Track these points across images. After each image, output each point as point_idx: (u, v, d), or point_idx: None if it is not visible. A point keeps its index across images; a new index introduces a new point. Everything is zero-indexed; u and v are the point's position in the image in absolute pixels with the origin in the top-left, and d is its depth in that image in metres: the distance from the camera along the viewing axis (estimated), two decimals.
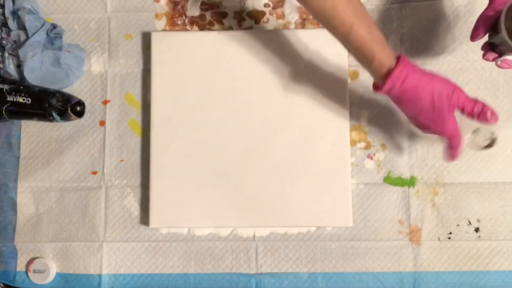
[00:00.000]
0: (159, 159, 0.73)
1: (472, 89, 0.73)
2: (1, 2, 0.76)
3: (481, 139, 0.64)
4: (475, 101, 0.59)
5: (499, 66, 0.60)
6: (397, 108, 0.62)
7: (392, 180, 0.73)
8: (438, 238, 0.72)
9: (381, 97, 0.74)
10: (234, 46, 0.74)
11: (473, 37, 0.59)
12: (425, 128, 0.62)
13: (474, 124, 0.61)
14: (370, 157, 0.74)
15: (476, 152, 0.72)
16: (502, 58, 0.60)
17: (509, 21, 0.55)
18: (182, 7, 0.77)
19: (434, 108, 0.58)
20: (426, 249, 0.72)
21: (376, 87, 0.61)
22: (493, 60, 0.60)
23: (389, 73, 0.57)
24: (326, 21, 0.58)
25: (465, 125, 0.62)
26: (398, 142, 0.73)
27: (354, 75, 0.75)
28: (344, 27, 0.57)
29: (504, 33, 0.55)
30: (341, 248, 0.73)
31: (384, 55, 0.57)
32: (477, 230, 0.72)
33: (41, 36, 0.73)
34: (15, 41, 0.75)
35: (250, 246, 0.74)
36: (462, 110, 0.59)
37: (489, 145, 0.65)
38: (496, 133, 0.64)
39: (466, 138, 0.63)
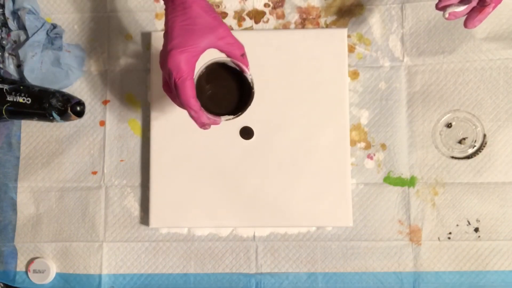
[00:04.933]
0: (159, 159, 0.73)
1: (472, 89, 0.73)
2: (1, 2, 0.76)
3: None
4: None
5: (446, 19, 0.59)
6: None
7: (392, 180, 0.73)
8: (438, 238, 0.72)
9: (381, 97, 0.74)
10: None
11: None
12: None
13: None
14: (370, 157, 0.74)
15: (476, 153, 0.72)
16: (450, 9, 0.58)
17: None
18: None
19: None
20: (426, 249, 0.72)
21: None
22: (440, 9, 0.59)
23: None
24: None
25: None
26: (398, 142, 0.73)
27: (354, 75, 0.75)
28: None
29: None
30: (341, 248, 0.73)
31: None
32: (476, 230, 0.72)
33: (41, 36, 0.73)
34: (15, 41, 0.75)
35: (250, 246, 0.74)
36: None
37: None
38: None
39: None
